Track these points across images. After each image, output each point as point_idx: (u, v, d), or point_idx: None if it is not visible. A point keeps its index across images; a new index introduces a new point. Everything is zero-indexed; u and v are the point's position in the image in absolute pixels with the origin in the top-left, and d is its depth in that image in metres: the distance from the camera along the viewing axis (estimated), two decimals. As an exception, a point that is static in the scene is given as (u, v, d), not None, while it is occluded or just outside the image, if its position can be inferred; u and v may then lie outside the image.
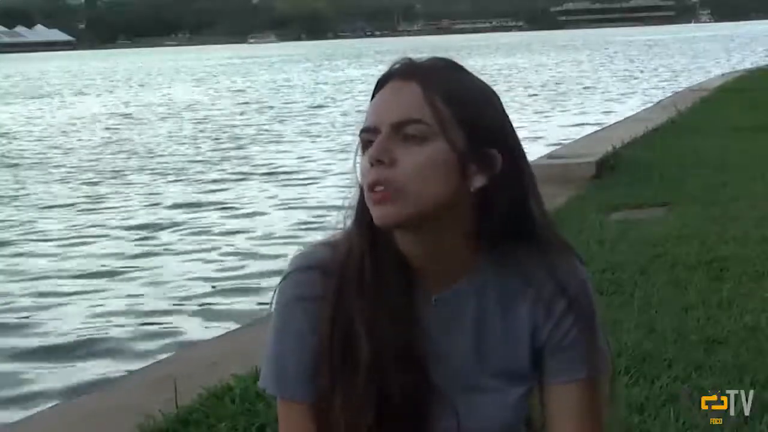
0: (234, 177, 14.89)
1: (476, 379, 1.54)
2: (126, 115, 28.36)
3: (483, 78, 1.55)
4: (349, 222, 1.54)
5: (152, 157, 17.81)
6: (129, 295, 8.11)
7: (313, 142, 19.26)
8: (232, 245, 9.91)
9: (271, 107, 29.47)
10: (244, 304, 7.39)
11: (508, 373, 1.54)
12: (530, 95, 29.00)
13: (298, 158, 16.77)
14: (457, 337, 1.53)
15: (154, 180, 14.88)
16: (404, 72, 1.48)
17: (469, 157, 1.46)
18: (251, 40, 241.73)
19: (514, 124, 1.54)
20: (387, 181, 1.42)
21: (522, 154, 1.52)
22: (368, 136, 1.47)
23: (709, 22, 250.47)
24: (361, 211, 1.51)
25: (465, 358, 1.54)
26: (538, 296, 1.54)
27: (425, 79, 1.47)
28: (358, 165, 1.51)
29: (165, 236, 10.56)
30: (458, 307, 1.54)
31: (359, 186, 1.50)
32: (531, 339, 1.55)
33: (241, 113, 27.41)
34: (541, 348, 1.55)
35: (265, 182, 14.30)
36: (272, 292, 1.59)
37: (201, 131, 22.45)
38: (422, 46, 58.99)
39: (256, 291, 7.68)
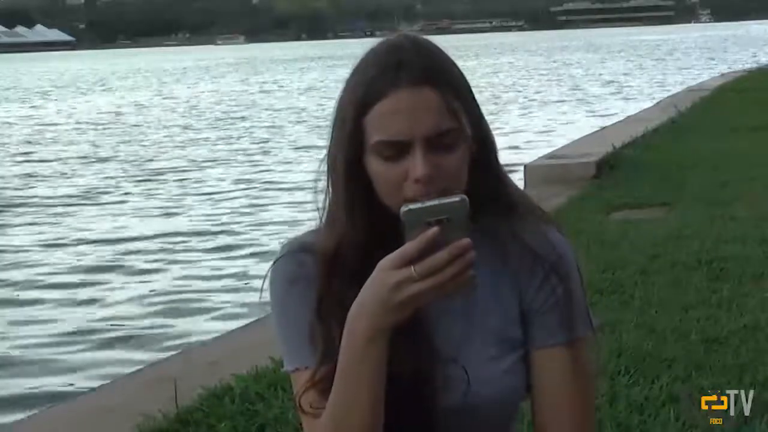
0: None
1: (472, 347, 1.56)
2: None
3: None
4: (332, 210, 1.56)
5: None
6: (128, 294, 8.11)
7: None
8: (230, 245, 9.92)
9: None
10: (244, 303, 7.39)
11: (502, 340, 1.58)
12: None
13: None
14: (452, 306, 1.55)
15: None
16: (414, 79, 1.48)
17: (474, 140, 1.53)
18: (219, 42, 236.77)
19: None
20: (434, 194, 1.47)
21: (482, 113, 1.57)
22: (393, 146, 1.48)
23: (709, 22, 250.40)
24: (354, 205, 1.52)
25: (459, 326, 1.57)
26: (522, 263, 1.58)
27: (437, 82, 1.48)
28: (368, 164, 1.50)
29: (163, 235, 10.57)
30: None
31: (345, 177, 1.51)
32: (519, 304, 1.59)
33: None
34: (526, 313, 1.59)
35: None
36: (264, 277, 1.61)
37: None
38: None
39: (256, 291, 7.67)
